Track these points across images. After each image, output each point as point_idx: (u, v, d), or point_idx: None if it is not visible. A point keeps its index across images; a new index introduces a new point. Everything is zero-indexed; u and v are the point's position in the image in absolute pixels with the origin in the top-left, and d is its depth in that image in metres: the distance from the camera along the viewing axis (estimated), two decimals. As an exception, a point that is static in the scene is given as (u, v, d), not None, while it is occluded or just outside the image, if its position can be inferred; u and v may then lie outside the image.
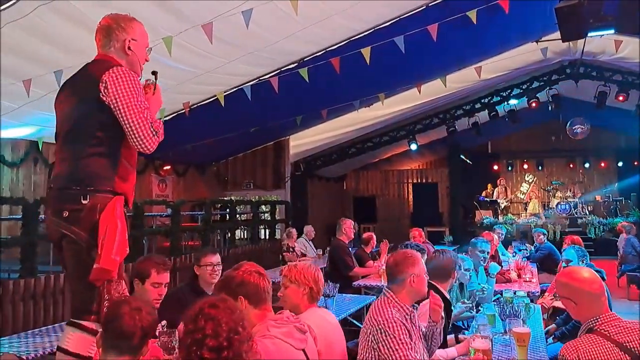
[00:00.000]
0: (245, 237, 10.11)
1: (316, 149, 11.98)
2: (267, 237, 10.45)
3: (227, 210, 9.88)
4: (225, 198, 11.28)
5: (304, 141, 11.17)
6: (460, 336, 2.93)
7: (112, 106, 2.03)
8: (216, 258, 3.39)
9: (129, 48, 2.20)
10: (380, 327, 2.33)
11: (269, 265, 8.33)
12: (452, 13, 5.64)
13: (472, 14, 5.35)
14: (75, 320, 1.96)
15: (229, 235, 9.23)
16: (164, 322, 2.54)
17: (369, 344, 2.37)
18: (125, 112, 2.02)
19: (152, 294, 2.70)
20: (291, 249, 7.32)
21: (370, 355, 2.36)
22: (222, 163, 12.13)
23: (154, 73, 2.29)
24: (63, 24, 4.66)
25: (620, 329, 1.91)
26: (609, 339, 1.88)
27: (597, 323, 1.95)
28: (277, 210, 10.80)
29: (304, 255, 7.52)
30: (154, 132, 2.07)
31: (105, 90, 2.02)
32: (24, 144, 7.74)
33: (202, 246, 8.02)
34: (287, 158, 11.46)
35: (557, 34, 7.64)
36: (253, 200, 10.84)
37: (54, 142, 2.20)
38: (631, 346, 1.85)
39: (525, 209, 14.63)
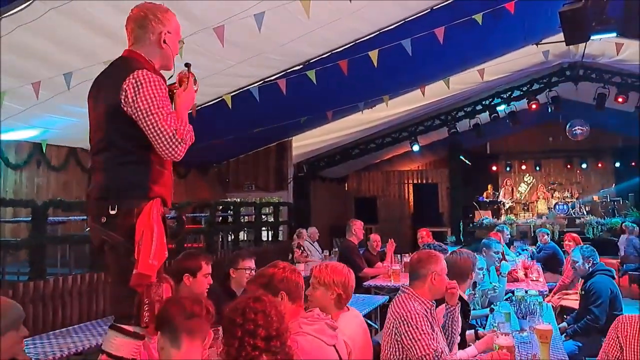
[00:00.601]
0: (248, 239, 10.13)
1: (319, 150, 12.02)
2: (270, 238, 10.46)
3: (230, 212, 9.91)
4: (227, 200, 11.31)
5: (307, 142, 11.20)
6: (480, 332, 2.97)
7: (133, 116, 1.96)
8: (253, 263, 3.51)
9: (164, 41, 2.09)
10: (402, 319, 2.42)
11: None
12: (457, 15, 5.69)
13: (478, 17, 5.41)
14: (118, 325, 1.97)
15: (232, 237, 9.25)
16: None
17: (392, 337, 2.45)
18: (146, 121, 1.94)
19: (204, 284, 2.94)
20: (302, 247, 7.36)
21: (394, 349, 2.43)
22: (223, 164, 12.14)
23: (187, 65, 2.15)
24: (73, 26, 4.68)
25: None
26: None
27: None
28: (280, 211, 10.83)
29: (307, 255, 7.54)
30: (178, 141, 1.97)
31: (126, 100, 1.94)
32: (27, 146, 7.74)
33: (206, 248, 8.05)
34: (290, 159, 11.48)
35: (557, 37, 7.77)
36: (256, 202, 10.86)
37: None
38: None
39: (524, 209, 14.72)
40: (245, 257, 3.53)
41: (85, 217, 6.44)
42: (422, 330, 2.38)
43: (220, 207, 10.15)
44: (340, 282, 2.46)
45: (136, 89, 1.93)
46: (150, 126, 1.93)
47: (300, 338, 2.00)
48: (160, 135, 1.94)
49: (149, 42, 2.08)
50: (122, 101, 1.95)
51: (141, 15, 2.08)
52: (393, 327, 2.45)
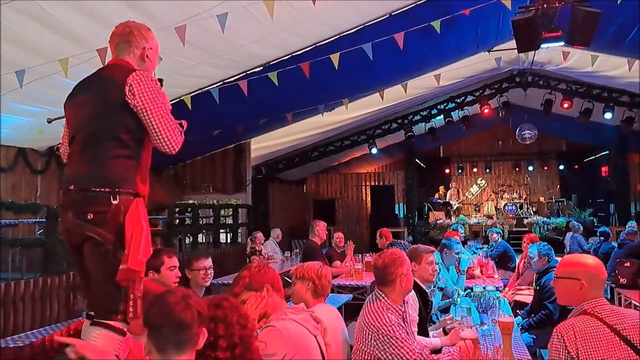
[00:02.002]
0: (207, 241, 10.01)
1: (278, 152, 12.02)
2: (229, 240, 10.37)
3: (187, 214, 9.76)
4: (184, 202, 11.13)
5: (265, 144, 11.17)
6: (448, 326, 3.08)
7: (137, 109, 2.05)
8: (208, 262, 3.49)
9: (147, 57, 2.25)
10: (380, 333, 2.46)
11: (233, 269, 8.30)
12: (414, 22, 5.87)
13: (436, 24, 5.59)
14: (101, 320, 1.96)
15: (191, 239, 9.12)
16: None
17: (367, 348, 2.46)
18: (153, 115, 2.05)
19: (171, 277, 2.96)
20: (258, 252, 7.34)
21: (366, 356, 2.48)
22: (179, 166, 11.95)
23: (160, 80, 2.28)
24: (27, 23, 4.53)
25: (611, 312, 2.11)
26: (601, 320, 2.07)
27: (591, 306, 2.13)
28: (239, 213, 10.76)
29: (270, 257, 7.53)
30: (180, 132, 2.13)
31: (131, 93, 2.04)
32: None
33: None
34: (248, 161, 11.42)
35: (508, 44, 8.13)
36: (215, 204, 10.75)
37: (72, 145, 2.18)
38: (620, 329, 2.04)
39: (476, 210, 15.29)
40: (199, 257, 3.52)
41: (40, 220, 6.25)
42: (403, 338, 2.45)
43: (178, 209, 9.98)
44: (314, 273, 2.63)
45: (142, 85, 2.05)
46: (159, 120, 2.06)
47: (286, 323, 2.08)
48: (167, 128, 2.08)
49: (132, 56, 2.23)
50: (127, 94, 2.04)
51: (127, 31, 2.23)
52: (371, 338, 2.48)
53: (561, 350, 2.05)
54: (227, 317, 1.70)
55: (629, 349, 2.00)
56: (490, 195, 14.86)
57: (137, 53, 2.22)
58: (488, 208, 14.48)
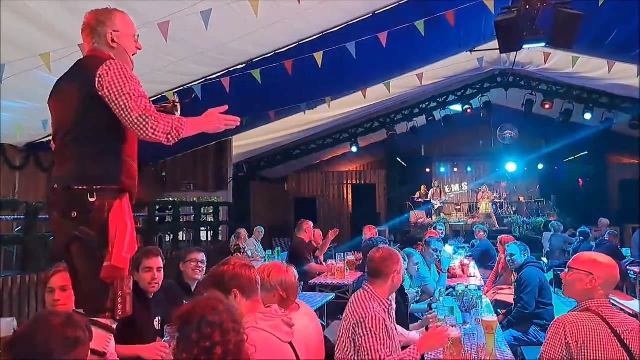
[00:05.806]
0: (187, 239, 9.92)
1: (260, 150, 11.95)
2: (210, 238, 10.29)
3: (167, 211, 9.65)
4: (164, 199, 11.01)
5: (247, 142, 11.10)
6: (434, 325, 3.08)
7: (106, 98, 2.00)
8: (201, 256, 3.59)
9: (112, 41, 2.18)
10: (361, 320, 2.45)
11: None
12: (397, 21, 5.88)
13: (420, 25, 5.60)
14: (90, 318, 1.93)
15: (172, 237, 9.02)
16: (158, 318, 2.99)
17: (349, 336, 2.48)
18: (118, 99, 1.98)
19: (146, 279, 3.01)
20: (242, 249, 7.30)
21: (349, 348, 2.47)
22: (160, 163, 11.81)
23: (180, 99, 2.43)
24: (7, 17, 4.40)
25: (614, 314, 2.17)
26: (603, 320, 2.12)
27: (595, 304, 2.18)
28: (221, 211, 10.67)
29: (252, 255, 7.50)
30: (146, 117, 1.98)
31: (100, 85, 2.00)
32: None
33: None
34: (229, 159, 11.33)
35: (490, 44, 8.20)
36: (196, 201, 10.63)
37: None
38: (620, 332, 2.09)
39: (457, 210, 15.43)
40: (193, 251, 3.64)
41: (18, 217, 6.10)
42: (376, 334, 2.41)
43: (158, 206, 9.85)
44: (279, 282, 2.39)
45: (110, 73, 2.02)
46: (122, 105, 1.98)
47: (254, 333, 1.95)
48: (130, 112, 1.98)
49: (102, 44, 2.18)
50: (97, 86, 2.01)
51: (87, 23, 2.20)
52: (351, 325, 2.49)
53: (560, 339, 2.09)
54: (223, 324, 1.62)
55: (624, 352, 2.04)
56: (485, 193, 14.94)
57: (102, 42, 2.17)
58: (485, 206, 14.54)
